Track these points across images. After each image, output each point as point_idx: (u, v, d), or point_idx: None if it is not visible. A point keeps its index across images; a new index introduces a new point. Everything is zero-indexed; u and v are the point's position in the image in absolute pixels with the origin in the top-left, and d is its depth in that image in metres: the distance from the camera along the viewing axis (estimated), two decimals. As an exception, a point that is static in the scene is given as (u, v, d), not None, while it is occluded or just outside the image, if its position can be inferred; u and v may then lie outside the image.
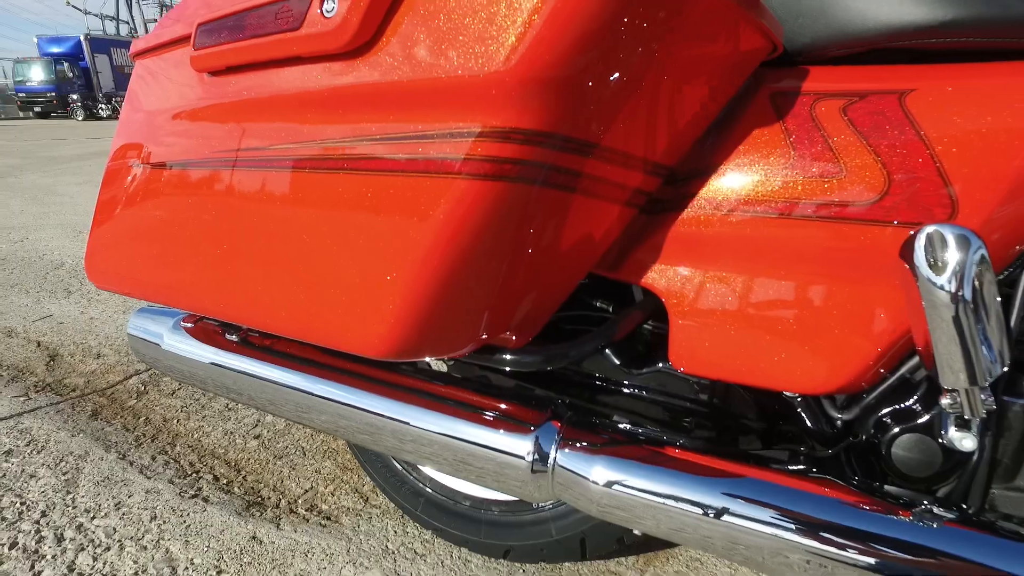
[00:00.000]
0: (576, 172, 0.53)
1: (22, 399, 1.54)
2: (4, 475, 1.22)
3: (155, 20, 41.99)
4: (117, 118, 21.46)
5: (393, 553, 1.02)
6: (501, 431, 0.68)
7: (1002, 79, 0.54)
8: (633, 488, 0.62)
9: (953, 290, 0.46)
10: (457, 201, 0.50)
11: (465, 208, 0.50)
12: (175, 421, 1.43)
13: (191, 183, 0.69)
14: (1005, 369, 0.49)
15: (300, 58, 0.57)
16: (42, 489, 1.18)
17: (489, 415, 0.71)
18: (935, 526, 0.53)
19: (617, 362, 0.77)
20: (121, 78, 27.33)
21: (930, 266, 0.47)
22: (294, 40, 0.55)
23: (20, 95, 25.36)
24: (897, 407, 0.64)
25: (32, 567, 0.99)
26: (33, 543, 1.04)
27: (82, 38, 26.96)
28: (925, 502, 0.57)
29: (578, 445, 0.66)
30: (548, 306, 0.65)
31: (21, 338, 1.93)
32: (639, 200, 0.62)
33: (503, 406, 0.71)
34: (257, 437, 1.36)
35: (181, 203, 0.71)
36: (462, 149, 0.49)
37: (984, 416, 0.52)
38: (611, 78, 0.49)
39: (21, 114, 25.31)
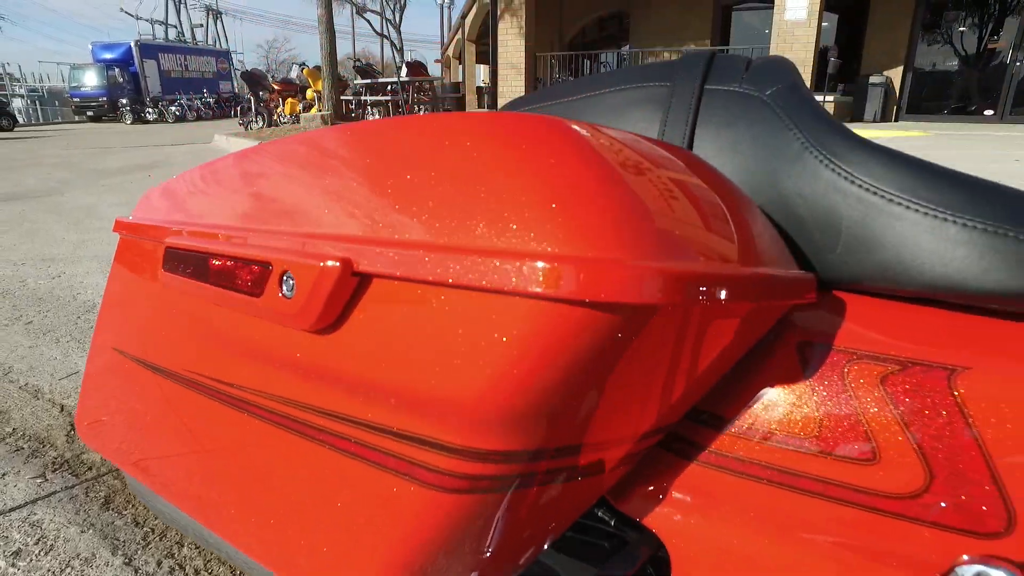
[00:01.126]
0: (559, 469, 0.47)
1: (39, 481, 1.54)
2: (11, 581, 1.21)
3: (201, 25, 43.08)
4: (162, 122, 22.19)
5: None
6: None
7: None
8: None
9: None
10: (424, 508, 0.44)
11: (432, 517, 0.44)
12: (185, 514, 1.41)
13: (170, 387, 0.65)
14: None
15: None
16: (45, 603, 1.16)
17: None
18: None
19: None
20: (168, 82, 28.10)
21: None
22: (255, 305, 0.49)
23: (75, 100, 26.28)
24: None
25: None
26: (29, 676, 1.02)
27: (132, 44, 27.76)
28: None
29: None
30: (535, 548, 0.59)
31: (46, 400, 1.94)
32: (651, 440, 0.55)
33: None
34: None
35: (162, 391, 0.67)
36: (430, 460, 0.43)
37: None
38: (586, 393, 0.43)
39: (77, 118, 26.22)
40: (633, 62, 14.29)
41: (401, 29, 33.63)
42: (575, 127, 0.43)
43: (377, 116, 13.07)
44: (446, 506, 0.44)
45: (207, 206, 0.59)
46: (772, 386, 0.53)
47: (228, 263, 0.51)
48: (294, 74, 15.54)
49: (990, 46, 11.52)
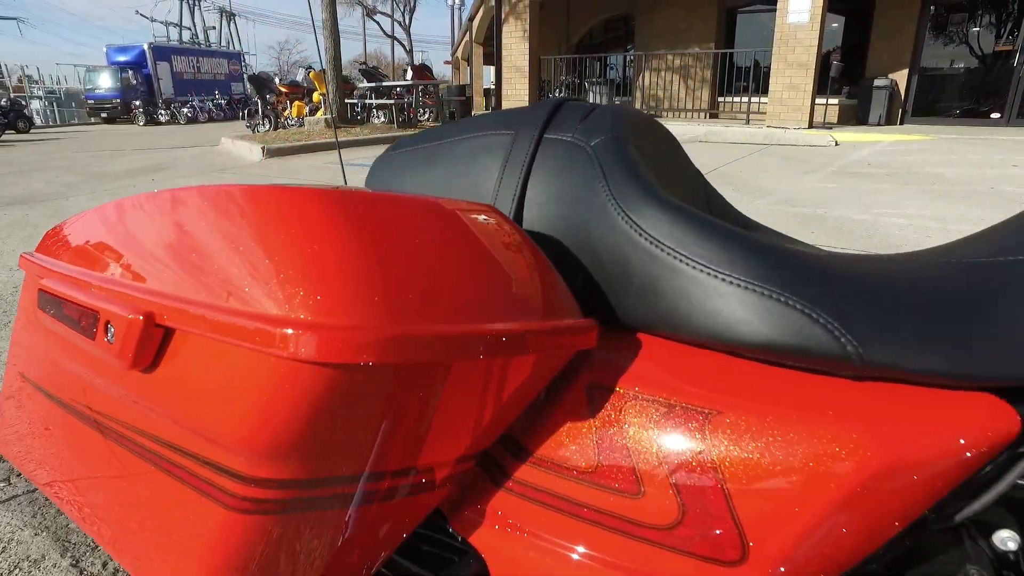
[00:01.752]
0: (349, 495, 0.53)
1: (2, 485, 1.62)
2: (-36, 580, 1.29)
3: (214, 27, 43.44)
4: (174, 123, 22.41)
5: None
6: None
7: (812, 412, 0.51)
8: None
9: None
10: (227, 525, 0.51)
11: (235, 534, 0.51)
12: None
13: (45, 402, 0.72)
14: None
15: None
16: (-8, 602, 1.24)
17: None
18: None
19: None
20: (180, 84, 28.38)
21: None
22: (91, 346, 0.56)
23: (89, 101, 26.63)
24: None
25: None
26: (-32, 670, 1.09)
27: (145, 47, 28.07)
28: None
29: None
30: (365, 566, 0.65)
31: (21, 406, 2.03)
32: (466, 464, 0.61)
33: None
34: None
35: (47, 411, 0.74)
36: (225, 483, 0.50)
37: None
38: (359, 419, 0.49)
39: (92, 119, 26.55)
40: (637, 65, 14.31)
41: (411, 31, 33.82)
42: (346, 201, 0.49)
43: (383, 119, 13.16)
44: (245, 524, 0.51)
45: (76, 253, 0.66)
46: (564, 422, 0.59)
47: (74, 309, 0.58)
48: (300, 77, 15.69)
49: (997, 48, 11.43)
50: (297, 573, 0.59)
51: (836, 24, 13.51)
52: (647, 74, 14.13)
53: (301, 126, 13.22)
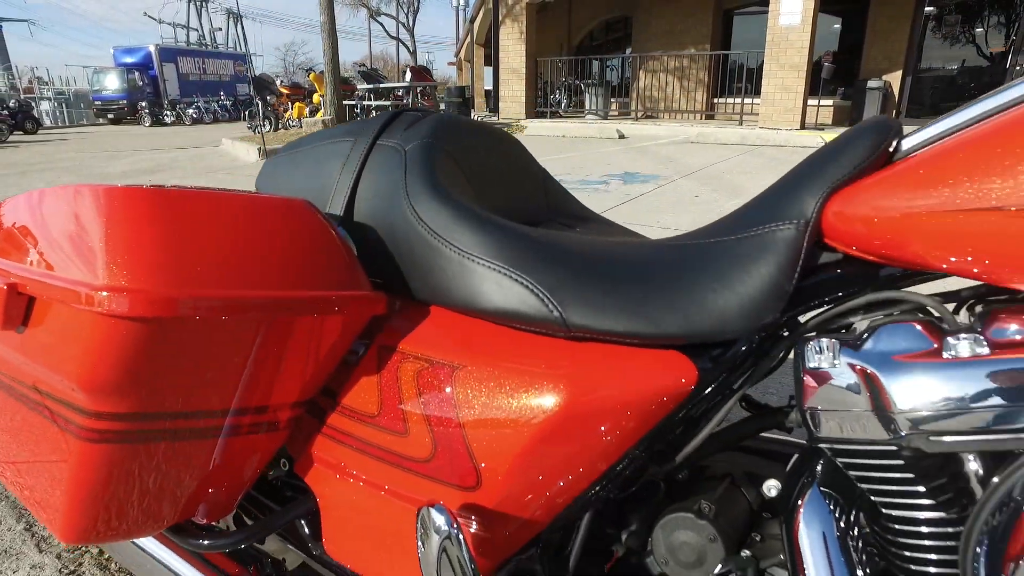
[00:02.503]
0: (205, 427, 0.67)
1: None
2: (-72, 541, 1.43)
3: (220, 29, 43.71)
4: (179, 124, 22.49)
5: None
6: None
7: (529, 366, 0.64)
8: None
9: (435, 559, 0.57)
10: (78, 456, 0.64)
11: (90, 461, 0.64)
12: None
13: None
14: None
15: None
16: (-49, 559, 1.38)
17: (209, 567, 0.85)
18: None
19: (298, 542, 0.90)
20: (186, 85, 28.62)
21: (421, 540, 0.58)
22: None
23: (96, 103, 26.89)
24: None
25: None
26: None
27: (151, 48, 28.31)
28: None
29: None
30: (227, 499, 0.79)
31: None
32: (295, 411, 0.75)
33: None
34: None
35: None
36: (75, 417, 0.63)
37: None
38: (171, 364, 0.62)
39: (100, 120, 26.82)
40: (634, 67, 14.42)
41: (414, 32, 34.06)
42: (156, 197, 0.62)
43: (382, 120, 13.33)
44: (96, 452, 0.64)
45: None
46: (361, 377, 0.73)
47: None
48: (301, 79, 15.87)
49: (991, 50, 11.49)
50: (158, 503, 0.73)
51: (837, 25, 13.60)
52: (644, 76, 14.24)
53: (302, 127, 13.41)
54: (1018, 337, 0.47)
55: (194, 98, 26.56)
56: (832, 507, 0.57)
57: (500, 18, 13.49)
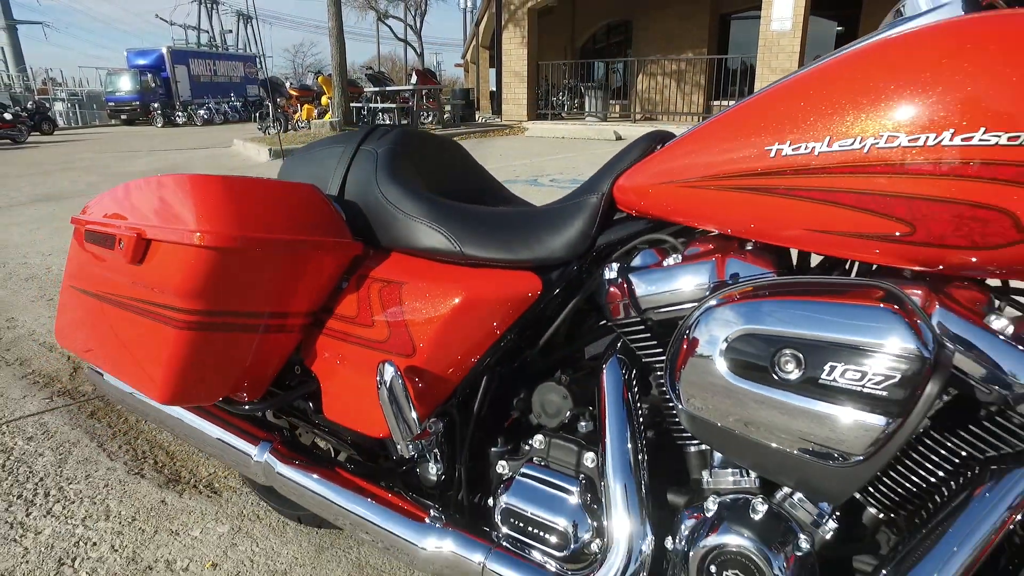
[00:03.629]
0: (247, 325, 1.08)
1: (48, 400, 2.20)
2: (24, 453, 1.86)
3: (231, 31, 44.23)
4: (191, 125, 22.77)
5: (244, 516, 1.59)
6: (244, 438, 1.25)
7: (442, 281, 1.05)
8: (299, 484, 1.17)
9: (387, 398, 0.98)
10: (174, 342, 1.06)
11: (176, 343, 1.06)
12: (141, 422, 2.05)
13: (86, 298, 1.27)
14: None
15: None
16: (44, 464, 1.81)
17: (246, 433, 1.27)
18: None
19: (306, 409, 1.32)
20: (197, 87, 29.09)
21: (379, 387, 0.99)
22: (112, 254, 1.11)
23: (110, 104, 27.39)
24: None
25: (27, 510, 1.61)
26: (30, 495, 1.66)
27: (164, 50, 28.79)
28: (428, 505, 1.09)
29: (279, 453, 1.21)
30: (260, 382, 1.21)
31: (57, 353, 2.61)
32: (308, 320, 1.17)
33: (252, 429, 1.28)
34: (193, 435, 1.97)
35: (87, 304, 1.29)
36: (171, 314, 1.05)
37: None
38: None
39: (113, 121, 27.33)
40: (633, 70, 14.80)
41: (422, 33, 34.52)
42: (215, 180, 1.04)
43: (387, 121, 13.77)
44: (186, 337, 1.05)
45: (101, 211, 1.20)
46: (346, 296, 1.14)
47: (103, 236, 1.13)
48: (310, 81, 16.33)
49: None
50: (220, 377, 1.14)
51: (840, 28, 13.94)
52: (643, 79, 14.62)
53: (310, 129, 13.87)
54: (699, 251, 0.88)
55: (205, 99, 27.06)
56: (620, 367, 0.98)
57: (503, 22, 13.91)
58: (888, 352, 0.62)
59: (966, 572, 0.65)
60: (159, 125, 24.37)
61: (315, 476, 1.17)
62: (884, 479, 0.77)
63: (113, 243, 1.10)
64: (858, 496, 0.80)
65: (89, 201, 1.29)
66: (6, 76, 31.75)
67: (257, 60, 36.21)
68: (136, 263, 1.08)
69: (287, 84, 16.89)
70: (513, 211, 1.11)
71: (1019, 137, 0.59)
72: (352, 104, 13.41)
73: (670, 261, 0.91)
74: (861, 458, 0.66)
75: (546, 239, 1.00)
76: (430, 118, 14.39)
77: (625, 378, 0.98)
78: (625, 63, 15.78)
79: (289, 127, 14.52)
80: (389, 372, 0.98)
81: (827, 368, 0.66)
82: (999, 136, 0.60)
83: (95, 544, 1.50)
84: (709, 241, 0.91)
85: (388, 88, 14.53)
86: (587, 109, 13.68)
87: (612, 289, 0.94)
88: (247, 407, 1.25)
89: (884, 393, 0.63)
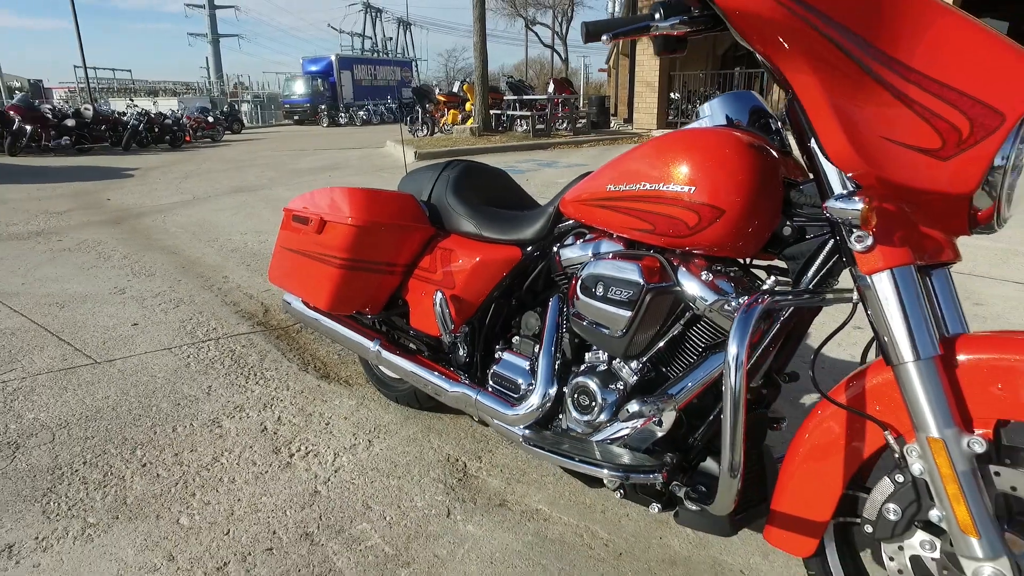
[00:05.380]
0: (372, 266, 2.00)
1: (251, 326, 3.31)
2: (240, 355, 2.94)
3: (391, 38, 47.64)
4: (351, 125, 25.10)
5: (365, 397, 2.54)
6: (365, 337, 2.18)
7: (473, 251, 1.91)
8: (393, 362, 2.07)
9: (439, 311, 1.86)
10: (334, 276, 1.99)
11: (339, 276, 1.99)
12: (310, 343, 3.09)
13: (289, 254, 2.24)
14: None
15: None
16: (252, 361, 2.88)
17: (367, 335, 2.20)
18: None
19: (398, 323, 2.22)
20: (359, 90, 31.90)
21: (435, 306, 1.87)
22: (319, 231, 2.06)
23: (285, 105, 30.85)
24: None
25: (244, 383, 2.66)
26: (245, 376, 2.72)
27: (333, 58, 31.91)
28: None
29: (384, 345, 2.12)
30: (378, 303, 2.12)
31: (256, 300, 3.77)
32: (405, 269, 2.07)
33: (370, 333, 2.20)
34: (339, 352, 2.97)
35: (290, 257, 2.26)
36: (330, 259, 1.98)
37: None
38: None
39: (286, 121, 30.80)
40: (767, 77, 14.72)
41: (567, 39, 35.57)
42: (369, 192, 1.95)
43: (524, 127, 14.81)
44: (338, 273, 1.97)
45: (302, 205, 2.16)
46: (425, 256, 2.01)
47: (301, 218, 2.08)
48: (456, 88, 17.82)
49: None
50: (357, 297, 2.06)
51: None
52: (777, 90, 14.51)
53: (452, 133, 15.25)
54: (591, 237, 1.66)
55: (365, 101, 29.81)
56: (558, 300, 1.77)
57: (636, 34, 14.43)
58: (629, 280, 1.39)
59: (689, 395, 1.40)
60: (324, 125, 27.15)
61: (401, 358, 2.06)
62: (665, 356, 1.52)
63: (307, 222, 2.06)
64: (649, 367, 1.55)
65: (292, 198, 2.28)
66: (208, 83, 36.84)
67: (412, 65, 38.98)
68: (318, 234, 2.02)
69: (436, 90, 18.46)
70: (512, 212, 1.94)
71: (691, 189, 1.33)
72: (493, 111, 14.57)
73: (580, 243, 1.70)
74: (623, 332, 1.42)
75: (525, 230, 1.82)
76: (564, 125, 15.22)
77: (559, 305, 1.78)
78: (763, 72, 15.63)
79: (436, 130, 16.02)
80: (439, 297, 1.86)
81: (612, 288, 1.43)
82: (681, 188, 1.35)
83: (281, 401, 2.51)
84: (597, 232, 1.68)
85: (526, 96, 15.59)
86: (717, 118, 13.84)
87: (556, 258, 1.74)
88: (369, 318, 2.18)
89: (627, 299, 1.39)
